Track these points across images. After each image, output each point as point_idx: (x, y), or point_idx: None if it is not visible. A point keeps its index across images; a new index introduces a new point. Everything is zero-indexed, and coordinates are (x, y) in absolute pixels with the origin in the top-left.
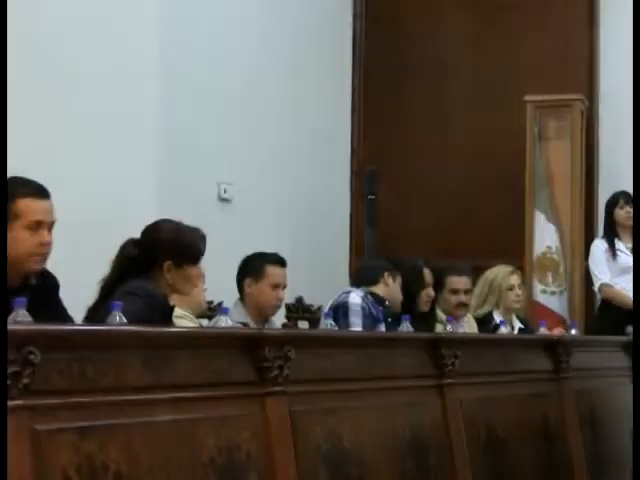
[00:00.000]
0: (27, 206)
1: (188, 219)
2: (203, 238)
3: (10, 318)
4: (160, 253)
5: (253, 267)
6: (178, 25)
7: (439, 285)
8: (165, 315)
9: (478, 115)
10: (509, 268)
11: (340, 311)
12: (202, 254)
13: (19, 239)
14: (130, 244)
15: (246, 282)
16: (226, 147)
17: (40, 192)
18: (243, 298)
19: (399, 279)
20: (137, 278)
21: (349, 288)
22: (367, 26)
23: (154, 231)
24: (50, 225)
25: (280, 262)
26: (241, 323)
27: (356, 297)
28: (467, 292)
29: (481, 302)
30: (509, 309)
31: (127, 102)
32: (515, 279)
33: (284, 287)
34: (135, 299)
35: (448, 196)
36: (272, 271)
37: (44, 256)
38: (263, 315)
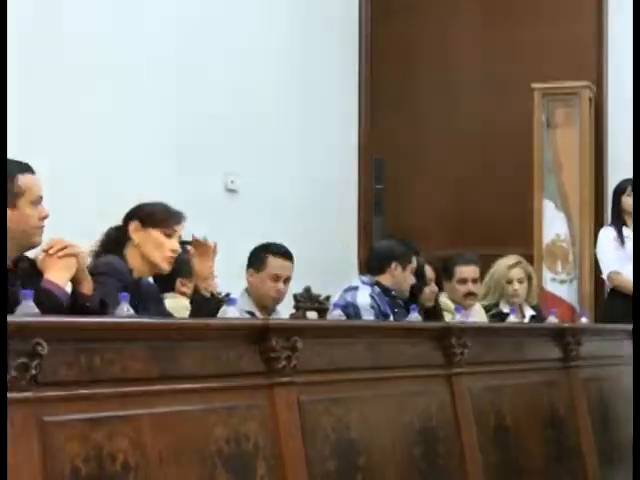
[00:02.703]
0: (30, 182)
1: (195, 210)
2: (175, 213)
3: (18, 310)
4: (128, 218)
5: (256, 257)
6: (192, 17)
7: (447, 275)
8: (134, 287)
9: (486, 103)
10: (512, 261)
11: (351, 312)
12: (168, 221)
13: (27, 214)
14: (112, 229)
15: (248, 272)
16: (233, 138)
17: (31, 168)
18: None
19: (410, 266)
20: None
21: (356, 281)
22: (374, 12)
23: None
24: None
25: (283, 254)
26: (248, 312)
27: (364, 295)
28: (475, 281)
29: (486, 293)
30: (510, 302)
31: (136, 93)
32: (515, 273)
33: (286, 280)
34: (104, 278)
35: (456, 185)
36: (273, 262)
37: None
38: (264, 306)
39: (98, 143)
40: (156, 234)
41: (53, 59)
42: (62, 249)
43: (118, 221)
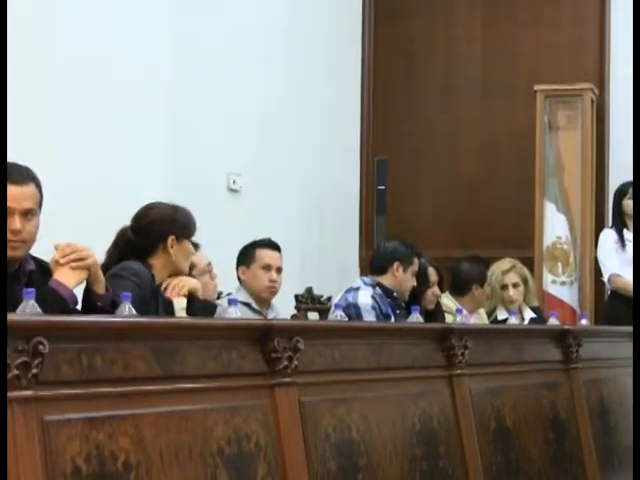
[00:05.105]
0: (10, 192)
1: (198, 210)
2: (192, 216)
3: (19, 309)
4: (163, 230)
5: (244, 254)
6: (189, 17)
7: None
8: (153, 293)
9: (488, 105)
10: (505, 266)
11: (352, 312)
12: (194, 231)
13: None
14: (128, 230)
15: (240, 270)
16: (235, 138)
17: (15, 178)
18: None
19: (411, 268)
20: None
21: (357, 282)
22: (376, 16)
23: (151, 213)
24: (23, 212)
25: (270, 245)
26: (243, 303)
27: (366, 296)
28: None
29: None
30: (508, 307)
31: (138, 93)
32: (509, 278)
33: (278, 270)
34: (122, 281)
35: (458, 186)
36: (262, 253)
37: (19, 243)
38: (261, 301)
39: (97, 143)
40: (188, 245)
41: (49, 62)
42: (74, 260)
43: (118, 222)
